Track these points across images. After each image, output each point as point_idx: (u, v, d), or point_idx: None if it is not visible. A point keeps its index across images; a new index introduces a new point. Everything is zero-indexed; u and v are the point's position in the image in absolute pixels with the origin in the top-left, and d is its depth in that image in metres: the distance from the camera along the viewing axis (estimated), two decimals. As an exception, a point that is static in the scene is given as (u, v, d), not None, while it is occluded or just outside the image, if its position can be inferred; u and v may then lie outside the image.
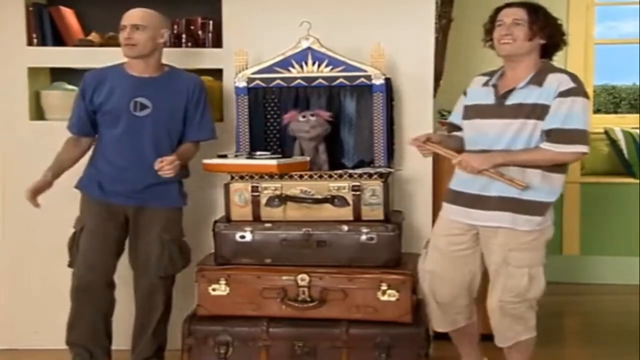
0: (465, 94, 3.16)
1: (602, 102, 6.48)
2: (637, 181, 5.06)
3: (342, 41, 3.56)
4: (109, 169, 3.33)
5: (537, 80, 2.88)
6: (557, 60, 5.07)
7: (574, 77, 2.88)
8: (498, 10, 2.99)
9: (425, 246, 3.20)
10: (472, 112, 3.06)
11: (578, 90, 2.85)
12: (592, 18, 5.22)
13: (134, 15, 3.28)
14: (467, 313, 3.16)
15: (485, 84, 3.04)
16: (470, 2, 4.63)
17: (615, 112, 6.34)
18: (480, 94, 3.05)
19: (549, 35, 2.93)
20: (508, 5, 2.98)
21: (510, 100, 2.91)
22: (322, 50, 3.50)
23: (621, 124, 5.32)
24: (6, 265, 3.92)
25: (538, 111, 2.85)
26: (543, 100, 2.85)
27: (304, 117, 3.43)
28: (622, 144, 5.13)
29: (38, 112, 3.90)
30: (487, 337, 3.20)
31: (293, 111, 3.47)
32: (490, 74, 3.08)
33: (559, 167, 2.93)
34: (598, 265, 5.14)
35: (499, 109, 2.92)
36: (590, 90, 5.30)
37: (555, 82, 2.86)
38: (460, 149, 3.07)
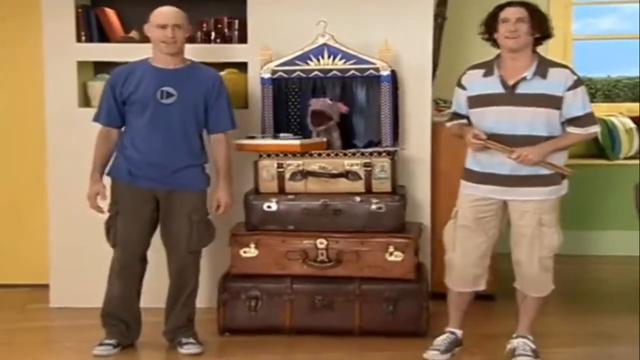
0: (463, 87, 3.38)
1: (580, 92, 6.79)
2: (611, 162, 5.43)
3: (354, 38, 3.93)
4: (138, 156, 3.49)
5: (541, 72, 3.26)
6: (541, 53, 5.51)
7: (572, 70, 3.33)
8: (499, 9, 3.30)
9: (453, 217, 3.42)
10: (484, 101, 3.29)
11: (579, 80, 3.31)
12: (570, 16, 5.59)
13: (173, 15, 3.48)
14: (486, 276, 3.45)
15: (486, 75, 3.30)
16: (461, 3, 4.94)
17: (591, 102, 6.63)
18: (484, 84, 3.30)
19: (542, 29, 3.33)
20: (509, 4, 3.31)
21: (520, 90, 3.26)
22: (337, 45, 3.89)
23: (596, 112, 5.51)
24: (59, 228, 4.21)
25: (550, 101, 3.25)
26: (552, 91, 3.25)
27: (331, 100, 3.84)
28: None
29: (85, 100, 4.27)
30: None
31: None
32: (484, 66, 3.34)
33: None
34: (577, 239, 5.37)
35: (511, 97, 3.26)
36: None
37: (562, 76, 3.26)
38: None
